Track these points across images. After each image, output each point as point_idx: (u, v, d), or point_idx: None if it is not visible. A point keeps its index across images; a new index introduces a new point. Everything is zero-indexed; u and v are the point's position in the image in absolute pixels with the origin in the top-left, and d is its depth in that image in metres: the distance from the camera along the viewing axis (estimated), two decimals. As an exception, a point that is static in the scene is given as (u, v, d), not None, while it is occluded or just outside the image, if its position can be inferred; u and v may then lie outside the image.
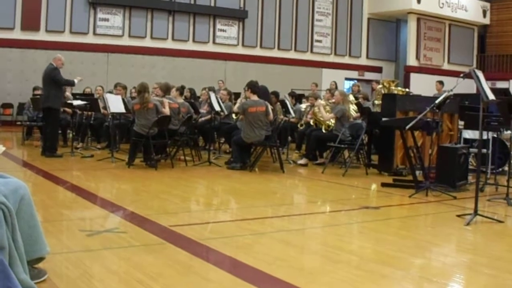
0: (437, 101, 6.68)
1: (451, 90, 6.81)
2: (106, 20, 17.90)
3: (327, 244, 4.39)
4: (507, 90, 9.44)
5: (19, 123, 14.70)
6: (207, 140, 11.39)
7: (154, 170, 8.27)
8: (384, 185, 7.47)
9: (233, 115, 10.73)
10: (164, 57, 18.79)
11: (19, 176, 4.00)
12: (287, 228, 5.04)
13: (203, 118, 10.84)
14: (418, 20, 22.44)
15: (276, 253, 4.00)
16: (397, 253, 4.07)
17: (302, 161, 9.71)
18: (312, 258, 4.06)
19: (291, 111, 11.04)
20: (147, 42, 18.57)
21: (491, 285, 3.50)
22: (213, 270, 3.58)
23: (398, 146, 8.31)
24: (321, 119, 9.77)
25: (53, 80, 9.26)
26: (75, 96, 11.57)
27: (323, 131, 9.71)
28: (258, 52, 20.61)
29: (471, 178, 7.74)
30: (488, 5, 24.10)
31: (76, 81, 9.69)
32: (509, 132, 8.17)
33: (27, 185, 3.08)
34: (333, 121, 9.47)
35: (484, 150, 7.71)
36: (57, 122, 9.80)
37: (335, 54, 22.38)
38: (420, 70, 22.43)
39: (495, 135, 8.04)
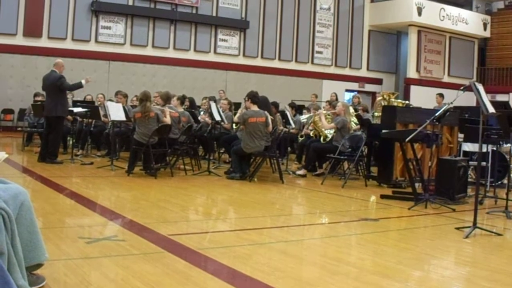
0: (437, 114, 6.70)
1: (451, 103, 6.84)
2: (108, 28, 17.97)
3: (326, 256, 4.39)
4: (507, 103, 9.47)
5: (19, 129, 14.73)
6: (207, 149, 11.41)
7: (154, 178, 8.27)
8: (383, 197, 7.47)
9: (233, 125, 10.75)
10: (165, 66, 18.86)
11: (18, 182, 3.99)
12: (285, 239, 5.04)
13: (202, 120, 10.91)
14: (419, 32, 22.55)
15: (274, 263, 4.00)
16: (396, 265, 4.07)
17: (301, 171, 9.71)
18: (311, 269, 4.05)
19: (291, 122, 11.06)
20: (149, 51, 18.64)
21: (490, 298, 3.50)
22: (211, 280, 3.57)
23: (398, 158, 8.31)
24: (322, 128, 9.78)
25: (60, 88, 9.28)
26: (76, 103, 11.59)
27: (321, 141, 9.73)
28: (259, 62, 20.68)
29: (470, 190, 7.74)
30: (488, 18, 24.22)
31: (83, 82, 9.57)
32: (508, 145, 8.18)
33: (27, 191, 3.08)
34: (332, 131, 9.49)
35: (484, 163, 7.71)
36: (61, 130, 9.82)
37: (336, 65, 22.45)
38: (420, 82, 22.50)
39: (494, 148, 8.05)
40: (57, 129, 9.54)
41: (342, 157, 9.02)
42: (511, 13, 23.89)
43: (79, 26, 17.44)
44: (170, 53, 19.01)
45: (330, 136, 9.54)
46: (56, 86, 9.28)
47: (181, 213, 6.08)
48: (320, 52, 22.09)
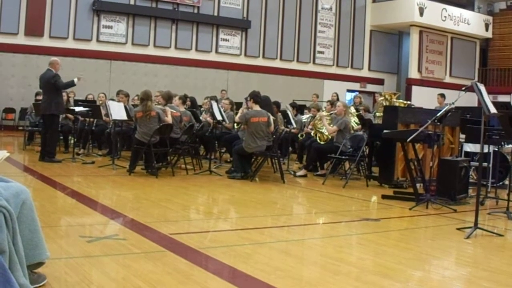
0: (438, 114, 6.69)
1: (453, 103, 6.83)
2: (110, 27, 17.97)
3: (327, 255, 4.39)
4: (508, 104, 9.47)
5: (21, 128, 14.74)
6: (208, 149, 11.41)
7: (155, 178, 8.27)
8: (384, 197, 7.47)
9: (234, 125, 10.75)
10: (166, 66, 18.85)
11: (19, 180, 4.00)
12: (286, 239, 5.04)
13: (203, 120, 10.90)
14: (421, 32, 22.53)
15: (275, 263, 4.00)
16: (396, 265, 4.07)
17: (301, 172, 9.69)
18: (312, 269, 4.05)
19: (293, 121, 11.06)
20: (150, 50, 18.64)
21: (491, 299, 3.49)
22: (212, 279, 3.57)
23: (399, 158, 8.31)
24: (323, 130, 9.77)
25: (54, 86, 9.29)
26: (77, 102, 11.59)
27: (321, 142, 9.71)
28: (260, 62, 20.67)
29: (471, 191, 7.74)
30: (490, 18, 24.19)
31: (76, 80, 9.60)
32: (510, 145, 8.19)
33: (28, 190, 3.08)
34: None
35: (485, 164, 7.71)
36: (57, 127, 9.83)
37: (337, 65, 22.45)
38: (422, 82, 22.48)
39: (496, 149, 8.04)
40: (52, 127, 9.54)
41: (343, 157, 9.02)
42: (513, 13, 23.89)
43: (80, 26, 17.45)
44: (172, 53, 19.00)
45: (330, 137, 9.53)
46: (50, 84, 9.30)
47: (182, 212, 6.08)
48: (322, 52, 22.08)
